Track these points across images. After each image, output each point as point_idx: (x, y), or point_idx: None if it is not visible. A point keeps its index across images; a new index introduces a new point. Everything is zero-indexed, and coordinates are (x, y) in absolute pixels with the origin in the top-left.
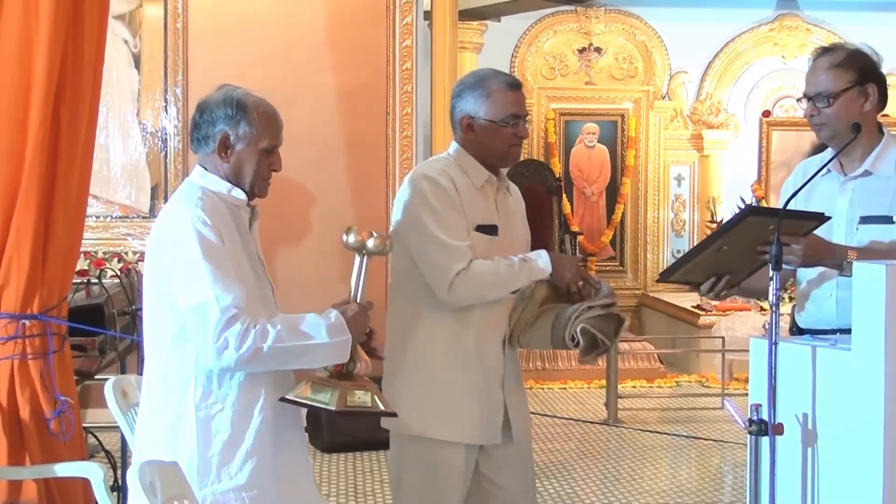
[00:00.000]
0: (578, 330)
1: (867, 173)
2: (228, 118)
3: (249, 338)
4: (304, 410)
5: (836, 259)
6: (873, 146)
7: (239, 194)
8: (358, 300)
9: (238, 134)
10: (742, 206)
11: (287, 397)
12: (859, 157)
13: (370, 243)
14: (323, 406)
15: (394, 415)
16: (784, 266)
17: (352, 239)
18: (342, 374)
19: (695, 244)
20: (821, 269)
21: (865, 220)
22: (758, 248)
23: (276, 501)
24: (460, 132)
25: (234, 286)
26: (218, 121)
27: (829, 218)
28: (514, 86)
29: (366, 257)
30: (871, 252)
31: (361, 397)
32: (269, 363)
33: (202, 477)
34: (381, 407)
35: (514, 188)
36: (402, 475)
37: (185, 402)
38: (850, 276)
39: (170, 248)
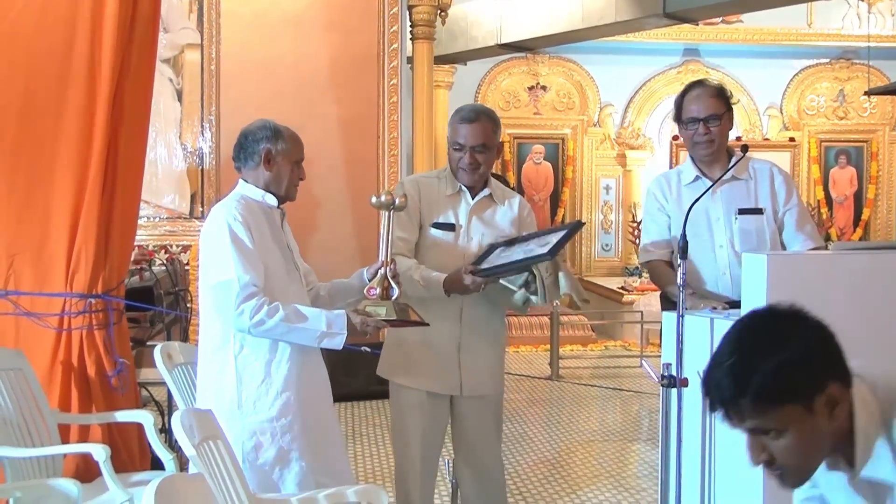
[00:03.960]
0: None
1: (735, 178)
2: (269, 138)
3: (261, 312)
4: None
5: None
6: (728, 160)
7: (271, 200)
8: (387, 248)
9: (277, 149)
10: None
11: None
12: (719, 168)
13: (396, 201)
14: (382, 317)
15: (426, 324)
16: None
17: (383, 198)
18: (387, 297)
19: (621, 246)
20: (714, 252)
21: (742, 211)
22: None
23: (302, 428)
24: None
25: (252, 270)
26: (261, 141)
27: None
28: (466, 119)
29: (392, 212)
30: None
31: (404, 311)
32: (273, 333)
33: (242, 411)
34: (419, 318)
35: (516, 203)
36: (390, 412)
37: (226, 355)
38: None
39: (206, 237)
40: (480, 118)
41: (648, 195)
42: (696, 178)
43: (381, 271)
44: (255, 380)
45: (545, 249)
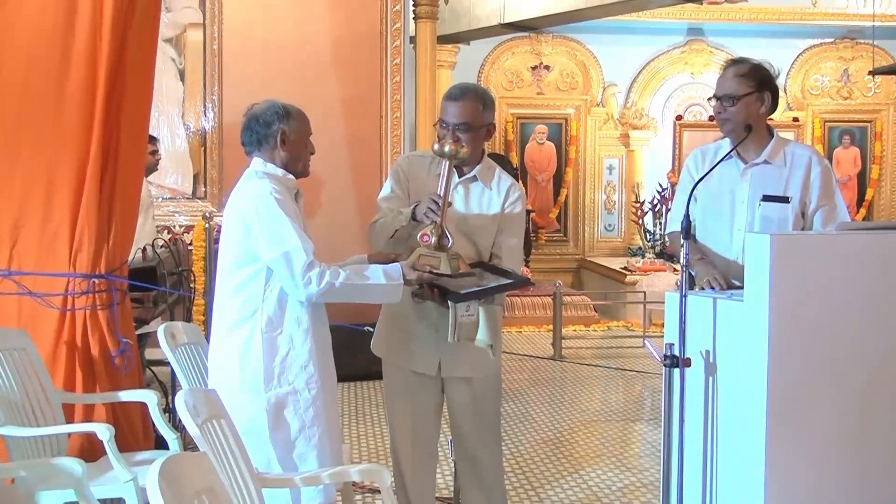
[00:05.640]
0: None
1: (766, 163)
2: (281, 118)
3: (326, 276)
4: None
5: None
6: (765, 142)
7: (290, 177)
8: (448, 194)
9: (291, 128)
10: (660, 190)
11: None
12: (753, 149)
13: (460, 152)
14: (439, 270)
15: (473, 274)
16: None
17: (447, 149)
18: (441, 248)
19: (624, 226)
20: (731, 236)
21: (767, 198)
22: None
23: (320, 400)
24: None
25: (308, 240)
26: (273, 122)
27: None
28: (451, 97)
29: (450, 161)
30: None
31: (456, 262)
32: (339, 295)
33: (267, 382)
34: (467, 268)
35: (504, 187)
36: (383, 390)
37: (254, 328)
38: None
39: (251, 213)
40: (466, 96)
41: (684, 165)
42: (728, 155)
43: (437, 220)
44: (281, 352)
45: (463, 291)
